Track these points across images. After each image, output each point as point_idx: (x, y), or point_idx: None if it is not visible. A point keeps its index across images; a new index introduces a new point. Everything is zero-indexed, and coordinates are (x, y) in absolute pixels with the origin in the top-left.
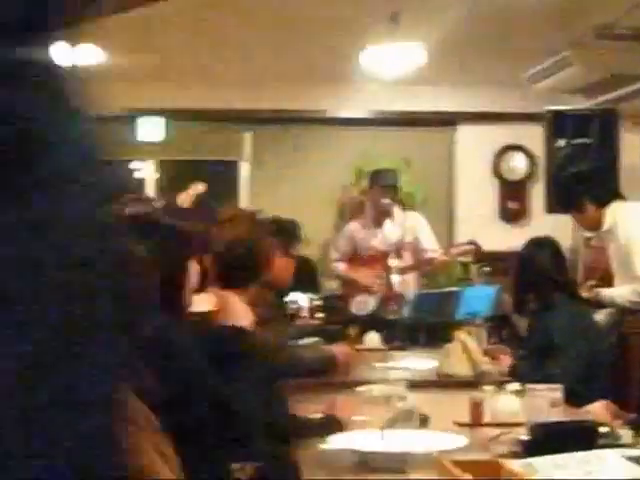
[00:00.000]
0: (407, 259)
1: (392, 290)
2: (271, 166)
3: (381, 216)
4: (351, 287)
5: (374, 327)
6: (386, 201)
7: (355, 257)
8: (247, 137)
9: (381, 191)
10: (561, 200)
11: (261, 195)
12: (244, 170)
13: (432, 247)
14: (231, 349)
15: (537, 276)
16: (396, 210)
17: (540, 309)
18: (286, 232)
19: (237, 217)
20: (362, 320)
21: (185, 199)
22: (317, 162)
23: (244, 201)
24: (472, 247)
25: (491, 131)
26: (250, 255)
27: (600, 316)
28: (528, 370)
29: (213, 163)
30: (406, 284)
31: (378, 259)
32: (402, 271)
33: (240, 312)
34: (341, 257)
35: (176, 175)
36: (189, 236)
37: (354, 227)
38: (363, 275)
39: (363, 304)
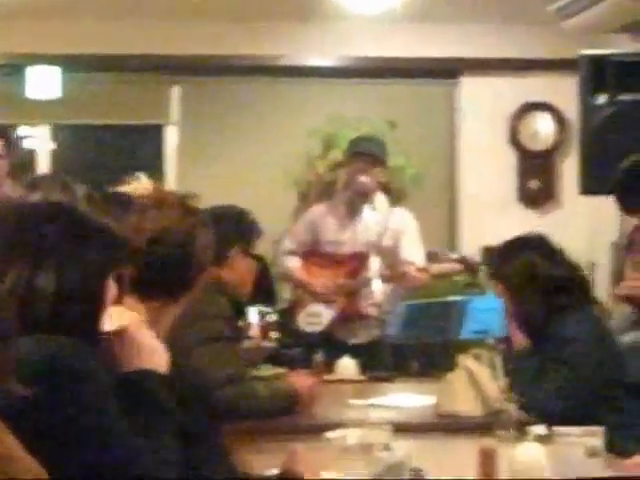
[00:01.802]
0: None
1: (355, 305)
2: (207, 132)
3: (358, 202)
4: (304, 293)
5: (349, 351)
6: (366, 180)
7: (315, 253)
8: (174, 93)
9: (361, 167)
10: (601, 177)
11: (194, 172)
12: (170, 137)
13: (413, 259)
14: (134, 395)
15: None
16: (379, 198)
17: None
18: (244, 224)
19: (163, 203)
20: (331, 344)
21: None
22: (270, 127)
23: (171, 180)
24: (459, 268)
25: (507, 84)
26: (181, 254)
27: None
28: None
29: (128, 129)
30: (389, 293)
31: (343, 260)
32: (387, 279)
33: (152, 345)
34: (296, 249)
35: (77, 145)
36: (122, 237)
37: (319, 212)
38: (318, 278)
39: (314, 318)
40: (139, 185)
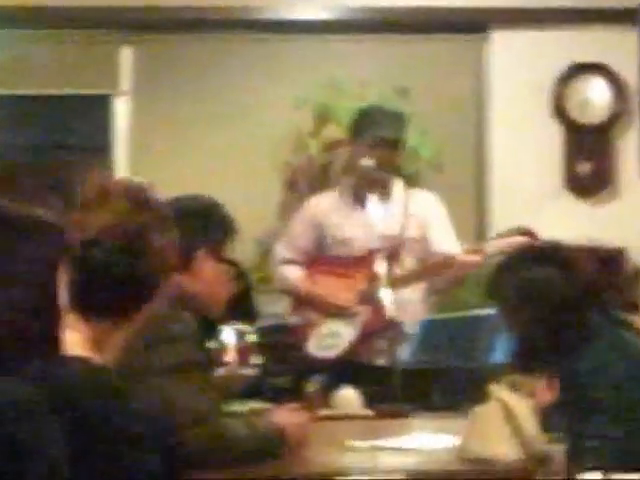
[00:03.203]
0: (408, 265)
1: (382, 316)
2: (167, 104)
3: (367, 190)
4: (311, 311)
5: (350, 379)
6: (379, 164)
7: (319, 259)
8: (125, 55)
9: (371, 149)
10: None
11: (150, 154)
12: (120, 111)
13: (448, 249)
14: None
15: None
16: (395, 184)
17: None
18: (213, 220)
19: (107, 195)
20: (330, 367)
21: None
22: (249, 97)
23: (121, 164)
24: (524, 240)
25: (549, 40)
26: (127, 261)
27: None
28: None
29: (67, 100)
30: (406, 306)
31: (360, 262)
32: (400, 282)
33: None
34: (296, 257)
35: (3, 122)
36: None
37: (319, 206)
38: (333, 289)
39: (331, 339)
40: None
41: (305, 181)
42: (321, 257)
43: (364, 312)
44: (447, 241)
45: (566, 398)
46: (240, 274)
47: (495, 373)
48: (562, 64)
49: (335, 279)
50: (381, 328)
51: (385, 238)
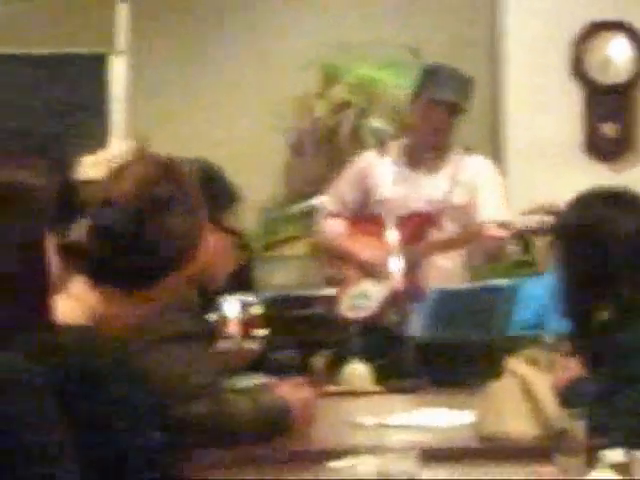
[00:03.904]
0: (449, 232)
1: (414, 280)
2: (165, 64)
3: (424, 151)
4: (345, 268)
5: (360, 353)
6: (437, 127)
7: (363, 217)
8: (120, 12)
9: (431, 110)
10: None
11: (148, 116)
12: (116, 71)
13: (491, 218)
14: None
15: (612, 261)
16: (451, 148)
17: (616, 318)
18: (213, 186)
19: (136, 163)
20: (336, 343)
21: None
22: (252, 57)
23: (118, 127)
24: (552, 219)
25: None
26: (149, 229)
27: None
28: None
29: (59, 60)
30: (441, 274)
31: (405, 224)
32: (421, 251)
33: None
34: (341, 212)
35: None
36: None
37: (367, 162)
38: (369, 248)
39: (361, 300)
40: (120, 151)
41: (311, 144)
42: (365, 215)
43: (395, 276)
44: (492, 209)
45: (599, 371)
46: (243, 245)
47: (512, 347)
48: (581, 22)
49: (373, 238)
50: (413, 292)
51: (429, 202)
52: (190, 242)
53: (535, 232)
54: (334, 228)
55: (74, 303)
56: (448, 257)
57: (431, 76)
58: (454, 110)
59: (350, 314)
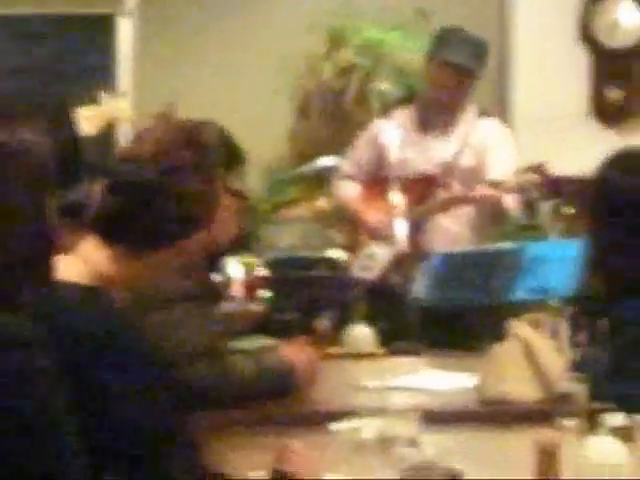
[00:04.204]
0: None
1: (415, 244)
2: (173, 25)
3: (436, 115)
4: (356, 233)
5: (364, 315)
6: (448, 90)
7: (377, 179)
8: None
9: (442, 73)
10: None
11: (156, 78)
12: (124, 32)
13: (497, 177)
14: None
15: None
16: (465, 111)
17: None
18: (219, 148)
19: (161, 127)
20: (339, 304)
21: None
22: (258, 19)
23: (126, 89)
24: (536, 178)
25: None
26: (164, 192)
27: None
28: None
29: (66, 21)
30: (446, 235)
31: (412, 186)
32: (418, 213)
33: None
34: (356, 175)
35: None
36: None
37: (383, 125)
38: (379, 210)
39: (369, 260)
40: (113, 104)
41: (317, 107)
42: (379, 177)
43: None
44: (500, 171)
45: (611, 338)
46: (247, 207)
47: (516, 310)
48: None
49: (382, 201)
50: (417, 253)
51: (437, 165)
52: (205, 209)
53: (524, 190)
54: (347, 191)
55: (81, 263)
56: (454, 220)
57: (445, 39)
58: (467, 74)
59: (360, 274)
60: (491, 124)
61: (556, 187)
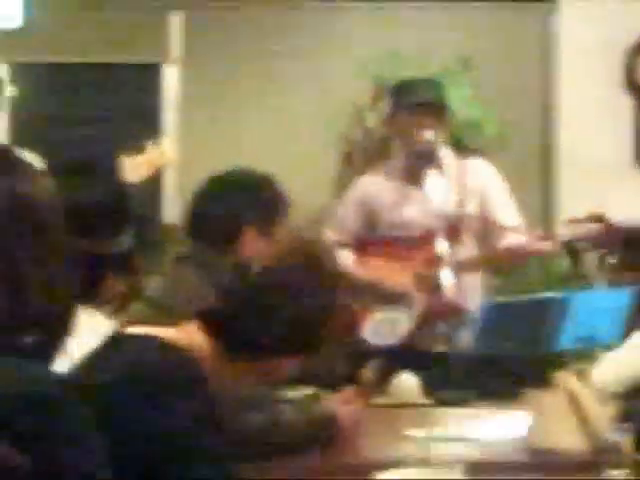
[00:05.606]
0: (468, 245)
1: (443, 300)
2: (218, 73)
3: (419, 165)
4: (363, 296)
5: (408, 365)
6: (427, 135)
7: (371, 241)
8: (174, 23)
9: (413, 118)
10: None
11: (201, 125)
12: (170, 80)
13: (510, 222)
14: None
15: None
16: (446, 154)
17: None
18: (264, 196)
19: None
20: (387, 353)
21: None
22: (304, 67)
23: (172, 136)
24: (598, 228)
25: (619, 10)
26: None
27: None
28: None
29: (114, 69)
30: (466, 289)
31: (418, 243)
32: (463, 266)
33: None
34: (344, 240)
35: (47, 90)
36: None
37: (371, 184)
38: (387, 273)
39: (387, 327)
40: (158, 152)
41: (362, 156)
42: (373, 239)
43: (422, 297)
44: (505, 213)
45: None
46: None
47: (562, 361)
48: (633, 34)
49: (390, 262)
50: (442, 313)
51: (443, 216)
52: (312, 332)
53: (582, 241)
54: (342, 258)
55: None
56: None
57: (401, 88)
58: (437, 111)
59: (376, 340)
60: (478, 163)
61: (618, 237)
